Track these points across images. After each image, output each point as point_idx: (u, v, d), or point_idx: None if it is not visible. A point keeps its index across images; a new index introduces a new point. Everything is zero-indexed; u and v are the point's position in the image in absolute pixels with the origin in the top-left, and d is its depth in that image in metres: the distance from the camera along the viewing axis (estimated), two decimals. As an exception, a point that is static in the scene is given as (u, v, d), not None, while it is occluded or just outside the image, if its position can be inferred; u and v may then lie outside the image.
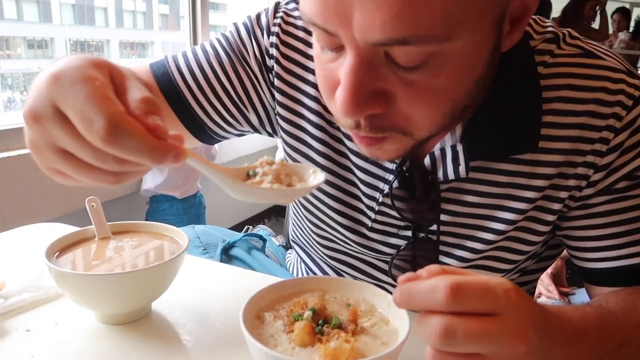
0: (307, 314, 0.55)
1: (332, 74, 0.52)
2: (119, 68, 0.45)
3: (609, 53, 0.65)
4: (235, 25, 0.77)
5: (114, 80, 0.43)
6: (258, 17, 0.76)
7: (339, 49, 0.50)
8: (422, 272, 0.44)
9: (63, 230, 0.72)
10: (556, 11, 3.74)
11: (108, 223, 0.73)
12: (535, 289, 0.85)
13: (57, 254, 0.66)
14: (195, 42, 2.22)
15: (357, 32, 0.45)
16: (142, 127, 0.40)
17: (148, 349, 0.62)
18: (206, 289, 0.76)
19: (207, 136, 0.80)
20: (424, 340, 0.43)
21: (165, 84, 0.76)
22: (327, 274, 0.84)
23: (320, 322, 0.55)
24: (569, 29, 0.67)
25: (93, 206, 0.72)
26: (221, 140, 0.84)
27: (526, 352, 0.42)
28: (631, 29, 4.91)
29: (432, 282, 0.42)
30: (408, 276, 0.44)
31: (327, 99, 0.56)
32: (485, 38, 0.49)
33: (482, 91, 0.60)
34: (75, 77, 0.40)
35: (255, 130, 0.81)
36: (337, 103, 0.49)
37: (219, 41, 0.77)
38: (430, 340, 0.42)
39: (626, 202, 0.63)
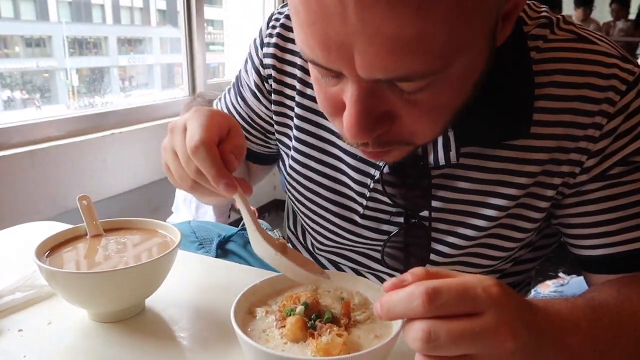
0: (300, 308, 0.54)
1: (335, 97, 0.53)
2: (237, 124, 0.60)
3: (602, 38, 0.64)
4: (246, 56, 0.83)
5: (230, 127, 0.59)
6: (255, 40, 0.80)
7: (339, 75, 0.50)
8: (406, 276, 0.44)
9: (56, 228, 0.71)
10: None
11: (100, 220, 0.73)
12: (531, 279, 0.84)
13: (47, 252, 0.66)
14: (190, 38, 2.21)
15: (360, 71, 0.46)
16: (219, 156, 0.55)
17: (142, 346, 0.61)
18: (201, 284, 0.76)
19: (261, 158, 0.88)
20: (411, 348, 0.43)
21: None
22: (324, 265, 0.83)
23: (312, 317, 0.54)
24: (563, 14, 0.67)
25: (84, 203, 0.71)
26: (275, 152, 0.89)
27: (515, 348, 0.41)
28: (632, 16, 4.87)
29: (408, 290, 0.42)
30: (393, 282, 0.44)
31: (330, 117, 0.57)
32: (482, 50, 0.50)
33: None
34: (206, 112, 0.58)
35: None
36: (346, 128, 0.50)
37: (235, 81, 0.87)
38: (415, 346, 0.42)
39: (621, 187, 0.62)
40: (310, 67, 0.55)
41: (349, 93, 0.49)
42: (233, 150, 0.56)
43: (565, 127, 0.62)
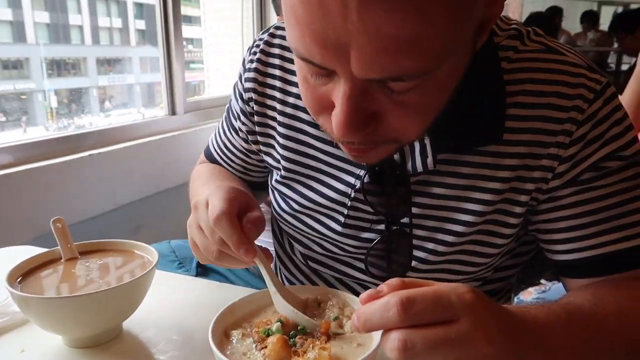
0: (276, 325, 0.54)
1: (324, 96, 0.53)
2: (253, 199, 0.64)
3: (571, 50, 0.67)
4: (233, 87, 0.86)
5: (248, 201, 0.63)
6: (240, 74, 0.83)
7: (330, 73, 0.50)
8: (382, 287, 0.45)
9: (30, 253, 0.70)
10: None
11: (76, 243, 0.71)
12: (512, 286, 0.85)
13: (19, 278, 0.64)
14: (169, 56, 2.20)
15: (355, 69, 0.46)
16: (239, 226, 0.58)
17: (119, 371, 0.60)
18: (180, 304, 0.74)
19: (261, 186, 0.90)
20: (390, 358, 0.43)
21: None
22: (309, 277, 0.83)
23: (291, 334, 0.54)
24: (533, 27, 0.69)
25: (58, 226, 0.70)
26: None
27: (491, 352, 0.41)
28: (601, 26, 5.03)
29: (383, 302, 0.43)
30: (369, 293, 0.45)
31: (316, 116, 0.58)
32: (466, 53, 0.52)
33: None
34: (226, 188, 0.62)
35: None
36: (335, 126, 0.51)
37: (227, 110, 0.89)
38: (393, 356, 0.42)
39: (592, 192, 0.63)
40: (298, 66, 0.56)
41: (340, 92, 0.49)
42: (252, 221, 0.60)
43: (536, 134, 0.63)
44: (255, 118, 0.80)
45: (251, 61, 0.79)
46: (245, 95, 0.80)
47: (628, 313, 0.55)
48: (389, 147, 0.57)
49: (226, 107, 0.90)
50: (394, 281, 0.45)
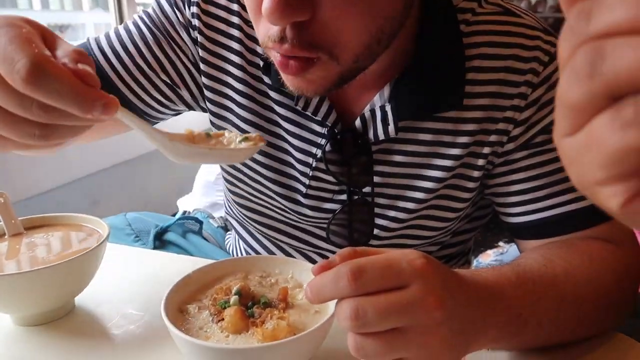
0: (234, 298, 0.53)
1: None
2: (51, 31, 0.44)
3: (527, 13, 0.66)
4: (157, 1, 0.74)
5: (45, 36, 0.42)
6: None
7: None
8: (334, 257, 0.45)
9: (-28, 229, 0.66)
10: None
11: (21, 218, 0.68)
12: (469, 249, 0.86)
13: (-41, 256, 0.61)
14: (121, 21, 2.11)
15: None
16: (69, 72, 0.38)
17: (72, 348, 0.58)
18: (135, 278, 0.73)
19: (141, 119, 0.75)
20: (342, 327, 0.43)
21: None
22: (267, 248, 0.82)
23: (249, 305, 0.53)
24: None
25: (0, 201, 0.66)
26: (157, 122, 0.81)
27: (443, 317, 0.42)
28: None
29: (334, 271, 0.43)
30: (321, 264, 0.45)
31: (255, 22, 0.54)
32: None
33: (408, 46, 0.62)
34: (1, 23, 0.40)
35: (189, 107, 0.79)
36: (264, 9, 0.47)
37: (142, 19, 0.74)
38: (345, 325, 0.42)
39: (544, 155, 0.64)
40: None
41: None
42: (77, 57, 0.40)
43: (493, 98, 0.63)
44: (202, 66, 0.72)
45: (198, 3, 0.70)
46: (192, 34, 0.71)
47: (576, 273, 0.56)
48: (327, 65, 0.53)
49: (137, 16, 0.75)
50: (345, 251, 0.45)
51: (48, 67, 0.37)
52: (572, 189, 0.63)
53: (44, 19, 3.43)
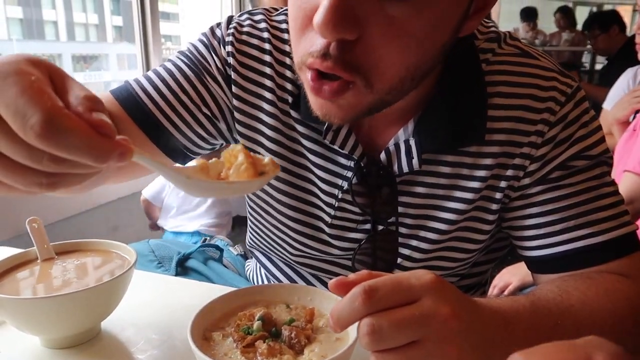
0: (257, 324, 0.54)
1: (309, 5, 0.51)
2: (59, 68, 0.42)
3: (544, 55, 0.70)
4: (192, 42, 0.78)
5: (54, 79, 0.40)
6: (212, 30, 0.76)
7: None
8: (351, 276, 0.47)
9: (6, 253, 0.69)
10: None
11: (52, 243, 0.71)
12: (486, 281, 0.87)
13: (-5, 279, 0.63)
14: (147, 53, 2.18)
15: None
16: (84, 123, 0.37)
17: (98, 371, 0.60)
18: (159, 304, 0.74)
19: (182, 154, 0.77)
20: (364, 348, 0.44)
21: (132, 107, 0.73)
22: (290, 276, 0.84)
23: (272, 332, 0.54)
24: (509, 31, 0.72)
25: (34, 226, 0.69)
26: (194, 158, 0.82)
27: (459, 328, 0.43)
28: (578, 26, 5.11)
29: (349, 295, 0.45)
30: (338, 279, 0.47)
31: (296, 39, 0.55)
32: (454, 18, 0.53)
33: (432, 84, 0.65)
34: (8, 71, 0.37)
35: (226, 139, 0.81)
36: (317, 19, 0.48)
37: (179, 58, 0.76)
38: (364, 343, 0.44)
39: (560, 190, 0.65)
40: None
41: None
42: (90, 104, 0.38)
43: (510, 134, 0.65)
44: (234, 89, 0.73)
45: (232, 42, 0.73)
46: (228, 71, 0.73)
47: (592, 303, 0.57)
48: (360, 93, 0.54)
49: (175, 57, 0.77)
50: (362, 272, 0.48)
51: (63, 121, 0.35)
52: (587, 224, 0.64)
53: (70, 49, 3.55)
